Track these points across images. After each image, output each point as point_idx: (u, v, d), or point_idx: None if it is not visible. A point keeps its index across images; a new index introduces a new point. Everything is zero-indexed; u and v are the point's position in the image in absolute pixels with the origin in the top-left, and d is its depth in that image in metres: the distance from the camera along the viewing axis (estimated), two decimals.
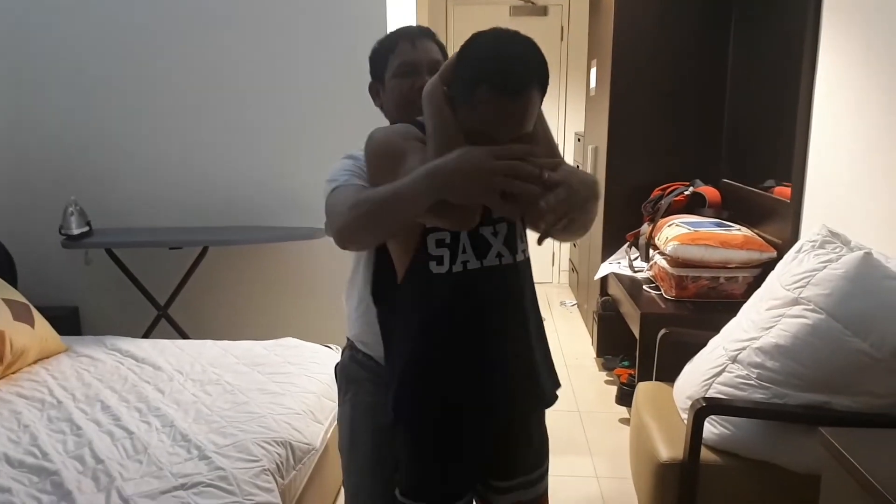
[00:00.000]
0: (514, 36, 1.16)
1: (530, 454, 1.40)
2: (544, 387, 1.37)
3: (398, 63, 1.39)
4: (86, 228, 3.05)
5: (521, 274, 1.31)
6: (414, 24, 1.80)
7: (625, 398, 2.99)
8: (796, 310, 1.80)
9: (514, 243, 1.30)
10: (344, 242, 1.23)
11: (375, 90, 1.45)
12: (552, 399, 1.38)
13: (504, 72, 1.13)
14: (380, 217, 1.18)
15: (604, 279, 3.52)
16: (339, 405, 1.56)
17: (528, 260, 1.34)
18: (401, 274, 1.28)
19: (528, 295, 1.33)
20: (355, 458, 1.48)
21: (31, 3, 3.16)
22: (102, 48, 3.18)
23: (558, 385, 1.40)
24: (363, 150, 1.28)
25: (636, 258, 3.26)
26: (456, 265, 1.25)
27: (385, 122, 1.41)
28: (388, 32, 1.45)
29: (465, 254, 1.26)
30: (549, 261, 5.59)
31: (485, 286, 1.27)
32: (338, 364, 1.59)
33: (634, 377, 2.74)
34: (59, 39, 3.19)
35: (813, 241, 1.90)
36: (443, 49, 1.44)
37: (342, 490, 2.49)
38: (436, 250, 1.25)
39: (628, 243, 3.39)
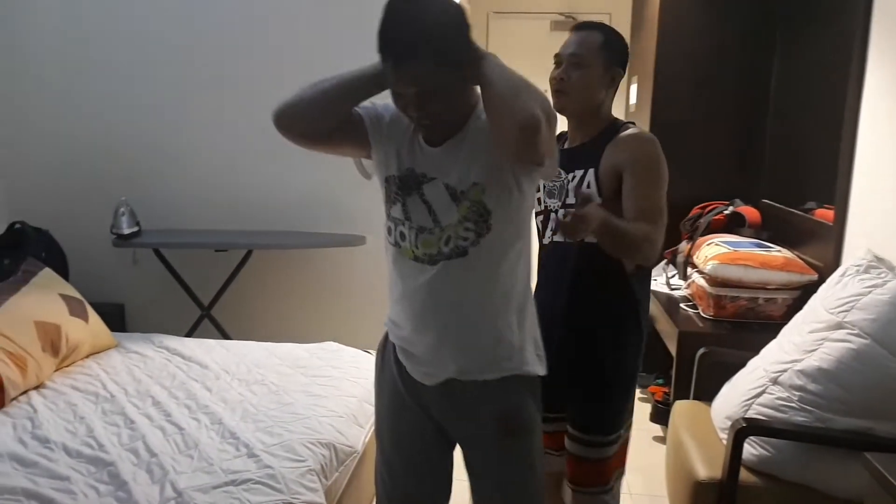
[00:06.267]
0: None
1: None
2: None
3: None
4: (136, 228, 3.15)
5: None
6: None
7: (660, 416, 3.00)
8: (840, 334, 1.80)
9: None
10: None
11: None
12: None
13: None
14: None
15: None
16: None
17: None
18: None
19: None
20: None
21: (87, 10, 3.29)
22: (153, 60, 3.31)
23: None
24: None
25: (673, 276, 3.27)
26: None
27: None
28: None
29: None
30: None
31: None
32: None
33: (669, 395, 2.74)
34: (113, 51, 3.31)
35: (858, 265, 1.91)
36: (446, 55, 1.29)
37: (375, 497, 2.55)
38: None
39: (665, 260, 3.39)
